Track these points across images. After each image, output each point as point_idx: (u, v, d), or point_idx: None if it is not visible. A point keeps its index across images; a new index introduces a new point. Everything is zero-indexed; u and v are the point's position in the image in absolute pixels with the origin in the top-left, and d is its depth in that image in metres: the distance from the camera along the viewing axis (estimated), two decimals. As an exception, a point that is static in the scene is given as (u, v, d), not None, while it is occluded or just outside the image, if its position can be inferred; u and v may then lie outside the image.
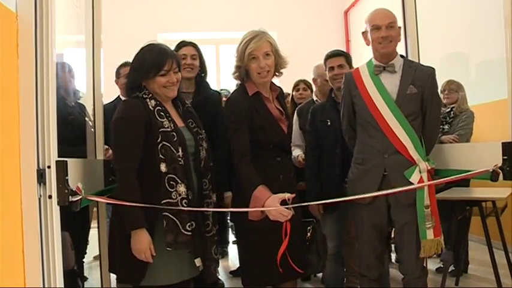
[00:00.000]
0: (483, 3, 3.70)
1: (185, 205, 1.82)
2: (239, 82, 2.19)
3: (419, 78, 2.19)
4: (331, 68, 2.77)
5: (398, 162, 2.14)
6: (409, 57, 2.56)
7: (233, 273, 3.77)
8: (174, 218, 1.79)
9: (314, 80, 3.25)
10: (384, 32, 2.17)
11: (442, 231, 2.15)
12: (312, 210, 2.64)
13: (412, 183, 2.09)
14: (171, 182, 1.81)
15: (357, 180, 2.29)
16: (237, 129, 2.05)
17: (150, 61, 1.90)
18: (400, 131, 2.14)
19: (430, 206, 2.10)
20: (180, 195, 1.82)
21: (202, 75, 2.69)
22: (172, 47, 2.29)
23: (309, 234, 2.35)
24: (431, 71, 2.24)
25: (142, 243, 1.77)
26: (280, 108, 2.20)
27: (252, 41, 2.04)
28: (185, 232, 1.80)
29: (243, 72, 2.11)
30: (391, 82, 2.21)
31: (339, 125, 2.60)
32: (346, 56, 2.81)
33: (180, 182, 1.83)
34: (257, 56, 2.04)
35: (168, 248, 1.78)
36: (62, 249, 1.57)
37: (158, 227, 1.82)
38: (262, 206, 1.88)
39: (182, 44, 2.64)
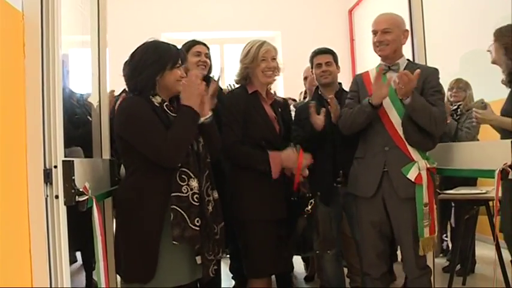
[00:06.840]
0: (487, 4, 3.69)
1: (196, 200, 1.78)
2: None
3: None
4: (319, 65, 2.75)
5: (398, 157, 2.17)
6: (416, 56, 2.60)
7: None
8: (182, 212, 1.74)
9: (306, 78, 3.26)
10: (379, 36, 2.25)
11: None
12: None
13: (409, 180, 2.13)
14: (183, 176, 1.78)
15: (359, 175, 2.31)
16: (233, 120, 2.23)
17: (168, 54, 1.87)
18: (401, 128, 2.17)
19: (429, 204, 2.13)
20: (192, 189, 1.78)
21: (210, 75, 2.71)
22: (179, 46, 2.26)
23: (309, 206, 2.28)
24: (431, 71, 2.26)
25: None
26: (274, 114, 2.36)
27: (264, 45, 2.32)
28: (193, 227, 1.75)
29: (246, 74, 2.32)
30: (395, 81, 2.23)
31: (326, 121, 2.60)
32: (333, 54, 2.79)
33: (193, 176, 1.79)
34: (267, 58, 2.30)
35: (174, 242, 1.73)
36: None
37: (167, 221, 1.75)
38: (281, 159, 2.20)
39: (195, 42, 2.71)
